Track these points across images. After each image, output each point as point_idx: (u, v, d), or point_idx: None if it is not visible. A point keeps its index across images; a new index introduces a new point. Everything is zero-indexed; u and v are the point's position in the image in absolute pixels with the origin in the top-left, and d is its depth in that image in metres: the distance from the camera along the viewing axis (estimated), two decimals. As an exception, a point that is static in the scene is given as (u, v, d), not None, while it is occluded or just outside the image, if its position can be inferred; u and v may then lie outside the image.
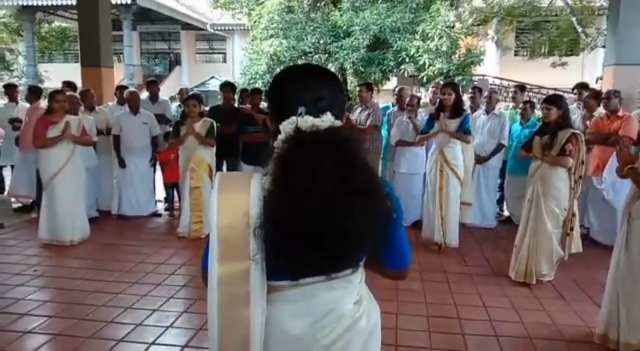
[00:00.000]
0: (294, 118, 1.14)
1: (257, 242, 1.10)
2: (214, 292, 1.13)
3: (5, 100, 7.16)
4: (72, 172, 5.03)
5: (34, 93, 6.55)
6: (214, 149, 5.42)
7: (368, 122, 5.88)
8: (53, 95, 5.00)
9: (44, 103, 6.34)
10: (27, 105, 6.53)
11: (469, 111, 5.46)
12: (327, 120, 1.15)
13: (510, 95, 6.99)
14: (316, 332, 1.20)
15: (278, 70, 12.65)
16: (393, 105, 6.60)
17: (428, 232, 5.12)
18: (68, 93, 6.29)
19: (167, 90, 14.78)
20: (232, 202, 1.14)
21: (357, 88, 6.37)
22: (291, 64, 12.74)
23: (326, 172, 1.05)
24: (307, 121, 1.13)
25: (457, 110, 4.92)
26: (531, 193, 4.08)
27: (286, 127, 1.14)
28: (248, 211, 1.12)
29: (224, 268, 1.12)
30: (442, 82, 6.39)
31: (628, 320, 2.93)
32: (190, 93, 6.30)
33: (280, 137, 1.14)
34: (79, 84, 7.43)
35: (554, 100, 4.09)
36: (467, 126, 4.92)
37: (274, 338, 1.19)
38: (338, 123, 1.17)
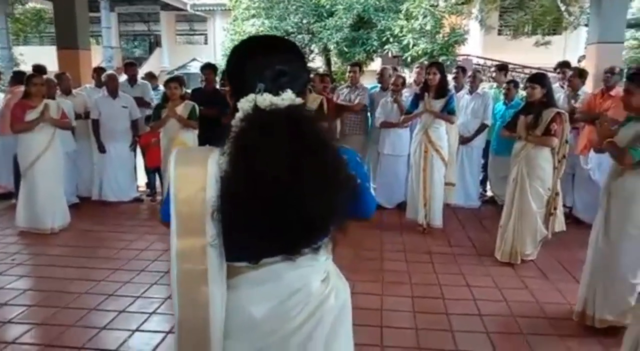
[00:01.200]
0: (252, 95, 1.10)
1: (215, 225, 1.09)
2: (174, 268, 1.11)
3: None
4: (52, 157, 4.91)
5: (17, 78, 6.36)
6: (196, 132, 5.32)
7: (356, 101, 5.86)
8: (30, 78, 4.87)
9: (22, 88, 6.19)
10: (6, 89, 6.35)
11: (453, 91, 5.42)
12: (287, 98, 1.11)
13: (492, 75, 6.99)
14: (283, 314, 1.17)
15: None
16: (376, 86, 6.55)
17: (412, 213, 5.13)
18: (45, 77, 6.13)
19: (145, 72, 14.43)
20: (189, 176, 1.12)
21: (348, 69, 6.27)
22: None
23: (283, 154, 1.02)
24: (265, 99, 1.10)
25: (442, 90, 4.87)
26: (516, 173, 4.09)
27: (244, 105, 1.10)
28: (204, 186, 1.09)
29: (182, 243, 1.10)
30: (426, 62, 6.34)
31: (605, 296, 2.97)
32: (172, 75, 6.17)
33: (238, 115, 1.10)
34: (55, 66, 7.24)
35: (539, 78, 4.07)
36: (451, 106, 4.88)
37: (237, 324, 1.16)
38: (299, 100, 1.14)
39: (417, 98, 5.05)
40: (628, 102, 2.95)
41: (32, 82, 4.82)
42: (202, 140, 5.47)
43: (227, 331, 1.16)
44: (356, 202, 1.19)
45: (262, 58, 1.17)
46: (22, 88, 6.07)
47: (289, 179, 1.02)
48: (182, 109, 5.17)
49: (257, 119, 1.08)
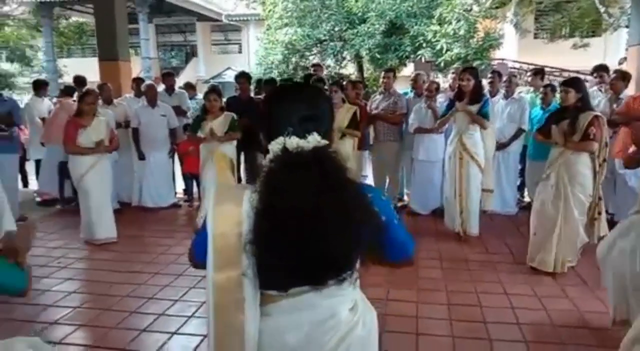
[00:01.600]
0: (281, 138, 1.22)
1: (248, 257, 1.18)
2: (211, 297, 1.21)
3: (30, 95, 7.31)
4: (101, 170, 4.97)
5: (66, 92, 6.71)
6: (234, 143, 5.34)
7: (392, 108, 5.88)
8: (83, 97, 4.93)
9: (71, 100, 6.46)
10: (52, 101, 6.67)
11: (488, 96, 5.30)
12: (312, 140, 1.22)
13: (528, 81, 6.84)
14: (314, 341, 1.25)
15: (294, 59, 12.65)
16: (410, 92, 6.53)
17: (449, 221, 5.05)
18: (86, 88, 6.40)
19: (184, 82, 14.78)
20: (226, 213, 1.23)
21: (382, 75, 6.24)
22: (306, 53, 12.73)
23: (307, 193, 1.14)
24: (293, 142, 1.21)
25: (476, 95, 4.75)
26: (555, 180, 3.97)
27: (274, 147, 1.23)
28: (241, 221, 1.20)
29: (220, 275, 1.20)
30: (461, 68, 6.25)
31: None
32: (210, 86, 6.29)
33: (269, 156, 1.24)
34: (97, 77, 7.52)
35: (572, 82, 3.98)
36: (484, 110, 4.73)
37: (269, 346, 1.25)
38: (324, 142, 1.25)
39: (451, 105, 4.95)
40: None
41: (85, 100, 4.89)
42: (239, 149, 5.56)
43: None
44: (386, 240, 1.31)
45: (290, 104, 1.31)
46: (69, 100, 6.37)
47: (312, 216, 1.13)
48: (222, 121, 5.14)
49: (284, 160, 1.20)
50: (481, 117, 4.73)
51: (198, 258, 1.30)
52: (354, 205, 1.18)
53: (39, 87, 7.12)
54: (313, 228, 1.14)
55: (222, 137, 5.11)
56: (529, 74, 6.81)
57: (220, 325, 1.22)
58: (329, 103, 1.39)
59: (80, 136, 4.87)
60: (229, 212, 1.23)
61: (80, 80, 6.76)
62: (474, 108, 4.74)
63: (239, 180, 6.05)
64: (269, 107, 1.35)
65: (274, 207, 1.15)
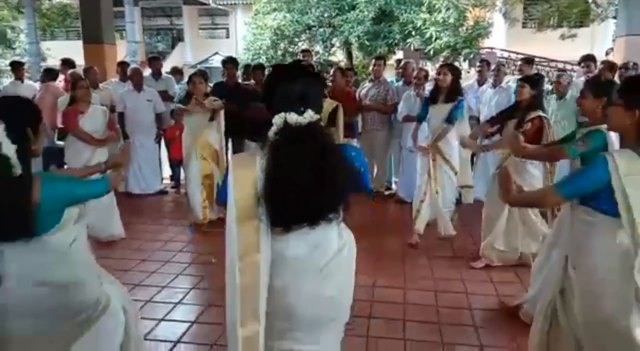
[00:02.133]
0: (282, 114, 1.59)
1: (261, 207, 1.58)
2: (235, 244, 1.54)
3: (11, 79, 7.12)
4: (104, 157, 4.68)
5: (49, 75, 6.50)
6: (222, 130, 5.19)
7: (382, 97, 5.89)
8: (76, 83, 4.75)
9: (55, 83, 6.32)
10: (35, 84, 6.49)
11: (465, 97, 5.01)
12: (308, 116, 1.60)
13: (518, 68, 6.86)
14: (312, 256, 1.69)
15: (282, 45, 12.54)
16: (397, 80, 6.52)
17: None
18: (71, 71, 6.26)
19: (171, 67, 14.59)
20: (244, 176, 1.59)
21: (373, 62, 6.19)
22: (295, 39, 12.62)
23: (305, 159, 1.55)
24: (292, 117, 1.58)
25: (451, 94, 4.42)
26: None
27: (277, 120, 1.59)
28: (255, 183, 1.58)
29: (241, 226, 1.56)
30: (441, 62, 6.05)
31: None
32: (196, 70, 6.20)
33: (273, 128, 1.60)
34: (81, 61, 7.38)
35: (529, 79, 3.89)
36: (455, 112, 4.39)
37: (277, 263, 1.65)
38: (316, 117, 1.63)
39: (427, 103, 4.69)
40: (581, 106, 2.91)
41: (78, 86, 4.68)
42: (226, 136, 5.49)
43: (272, 269, 1.64)
44: (358, 183, 1.79)
45: (288, 84, 1.63)
46: (54, 83, 6.22)
47: (308, 178, 1.55)
48: (206, 103, 4.99)
49: (286, 134, 1.58)
50: (444, 126, 4.44)
51: (223, 200, 1.62)
52: (339, 169, 1.61)
53: (16, 69, 6.89)
54: (309, 187, 1.55)
55: (208, 104, 4.88)
56: (519, 63, 6.81)
57: (243, 266, 1.54)
58: (321, 82, 1.78)
59: (80, 122, 4.63)
60: (245, 175, 1.58)
61: (68, 63, 6.61)
62: (447, 107, 4.45)
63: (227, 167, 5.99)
64: (269, 86, 1.68)
65: (278, 172, 1.54)
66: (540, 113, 3.77)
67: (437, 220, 4.63)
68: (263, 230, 1.59)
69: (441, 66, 4.76)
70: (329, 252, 1.72)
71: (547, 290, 2.29)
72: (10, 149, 1.72)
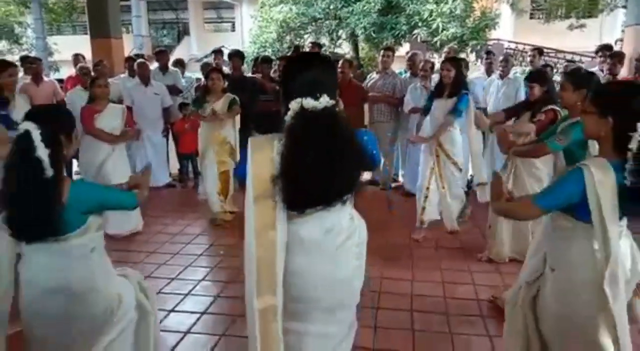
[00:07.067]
0: (299, 99, 1.62)
1: (278, 188, 1.61)
2: (252, 221, 1.64)
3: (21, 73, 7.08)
4: (120, 156, 4.72)
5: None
6: (237, 125, 5.15)
7: (390, 89, 5.87)
8: (94, 81, 4.62)
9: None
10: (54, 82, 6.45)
11: (471, 90, 4.84)
12: (323, 102, 1.63)
13: (528, 59, 6.79)
14: (326, 239, 1.74)
15: (288, 37, 12.48)
16: (405, 72, 6.49)
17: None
18: (81, 64, 6.26)
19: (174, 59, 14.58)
20: (261, 158, 1.66)
21: (381, 53, 6.15)
22: (301, 31, 12.56)
23: (321, 142, 1.60)
24: (308, 102, 1.61)
25: (455, 89, 4.35)
26: (510, 167, 3.82)
27: (294, 106, 1.63)
28: (272, 164, 1.63)
29: (258, 205, 1.64)
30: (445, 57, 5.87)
31: None
32: (212, 66, 6.09)
33: (290, 113, 1.64)
34: (88, 55, 7.40)
35: (535, 77, 3.82)
36: (458, 106, 4.30)
37: (292, 245, 1.70)
38: (331, 102, 1.65)
39: (432, 96, 4.64)
40: (561, 98, 2.88)
41: (96, 84, 4.57)
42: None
43: (288, 249, 1.69)
44: (369, 163, 1.87)
45: (305, 72, 1.70)
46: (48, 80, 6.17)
47: (323, 162, 1.60)
48: (222, 103, 4.92)
49: (302, 118, 1.62)
50: (447, 118, 4.36)
51: (240, 174, 1.79)
52: (353, 152, 1.66)
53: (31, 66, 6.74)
54: (323, 170, 1.60)
55: (224, 114, 4.87)
56: (529, 53, 6.71)
57: (259, 241, 1.63)
58: (335, 70, 1.88)
59: (96, 121, 4.53)
60: (263, 158, 1.65)
61: (79, 58, 6.57)
62: (451, 101, 4.40)
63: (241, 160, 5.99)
64: (287, 73, 1.77)
65: (294, 153, 1.59)
66: (555, 107, 3.72)
67: (443, 215, 4.63)
68: (279, 209, 1.64)
69: (444, 62, 4.68)
70: (342, 235, 1.77)
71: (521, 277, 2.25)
72: (44, 153, 1.81)
